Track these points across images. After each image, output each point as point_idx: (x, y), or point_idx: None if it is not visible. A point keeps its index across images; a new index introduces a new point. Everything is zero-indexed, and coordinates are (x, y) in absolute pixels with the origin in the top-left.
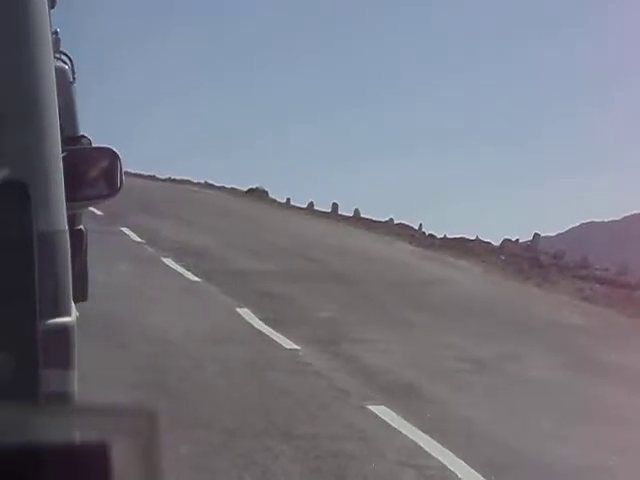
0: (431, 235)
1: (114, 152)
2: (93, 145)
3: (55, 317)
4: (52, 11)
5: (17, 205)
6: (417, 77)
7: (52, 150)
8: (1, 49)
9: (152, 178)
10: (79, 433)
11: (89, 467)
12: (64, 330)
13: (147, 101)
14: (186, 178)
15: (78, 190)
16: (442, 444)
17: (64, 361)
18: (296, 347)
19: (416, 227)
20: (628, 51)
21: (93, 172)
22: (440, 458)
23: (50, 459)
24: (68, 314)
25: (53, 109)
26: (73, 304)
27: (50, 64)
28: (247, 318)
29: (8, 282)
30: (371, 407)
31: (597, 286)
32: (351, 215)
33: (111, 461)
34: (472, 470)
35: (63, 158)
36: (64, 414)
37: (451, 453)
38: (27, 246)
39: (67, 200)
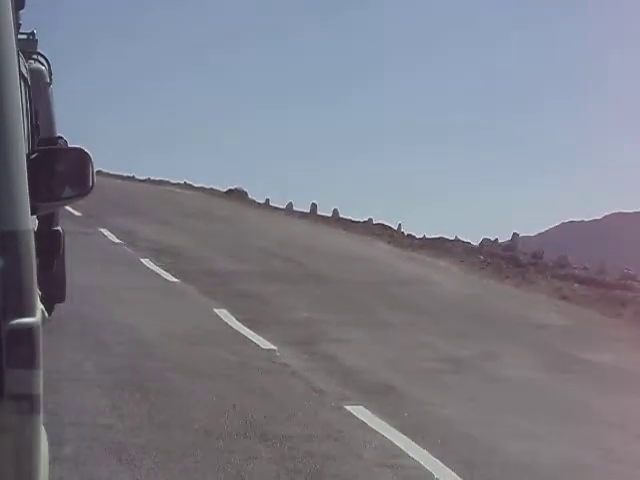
0: (410, 235)
1: (85, 152)
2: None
3: (19, 317)
4: (22, 12)
5: None
6: (395, 72)
7: (16, 150)
8: None
9: (131, 179)
10: None
11: None
12: (28, 330)
13: (125, 101)
14: (165, 179)
15: (51, 190)
16: (419, 443)
17: (29, 361)
18: (273, 347)
19: (395, 227)
20: (611, 48)
21: (65, 172)
22: (416, 457)
23: None
24: (33, 314)
25: (17, 108)
26: (40, 304)
27: (13, 63)
28: (224, 319)
29: None
30: (348, 407)
31: (575, 285)
32: (330, 215)
33: None
34: (448, 469)
35: (36, 159)
36: None
37: (427, 452)
38: None
39: (41, 200)
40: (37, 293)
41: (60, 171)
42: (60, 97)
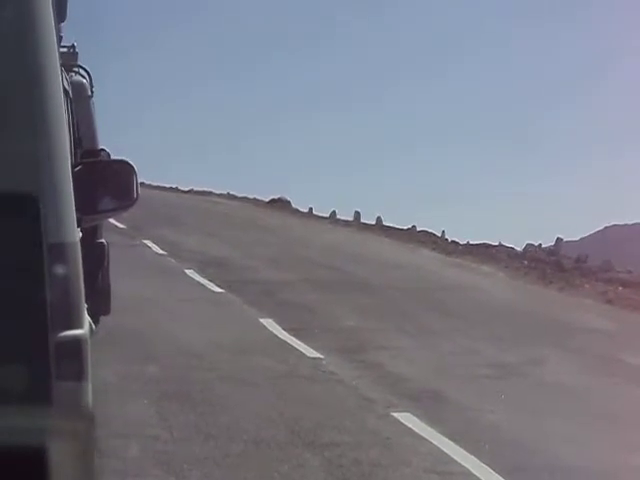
0: (454, 241)
1: (129, 164)
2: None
3: (67, 329)
4: (63, 25)
5: (28, 218)
6: (426, 76)
7: (62, 163)
8: (8, 64)
9: (174, 190)
10: (17, 437)
11: (26, 469)
12: (76, 342)
13: (162, 111)
14: (208, 190)
15: (96, 202)
16: (466, 450)
17: (77, 373)
18: (320, 356)
19: (439, 234)
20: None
21: (109, 184)
22: (464, 464)
23: None
24: (81, 326)
25: (62, 122)
26: (87, 316)
27: (57, 78)
28: (270, 328)
29: (20, 294)
30: (395, 414)
31: (620, 289)
32: (373, 223)
33: (48, 464)
34: (497, 475)
35: (80, 171)
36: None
37: (475, 458)
38: (38, 258)
39: (85, 213)
40: (85, 305)
41: (104, 183)
42: (100, 109)
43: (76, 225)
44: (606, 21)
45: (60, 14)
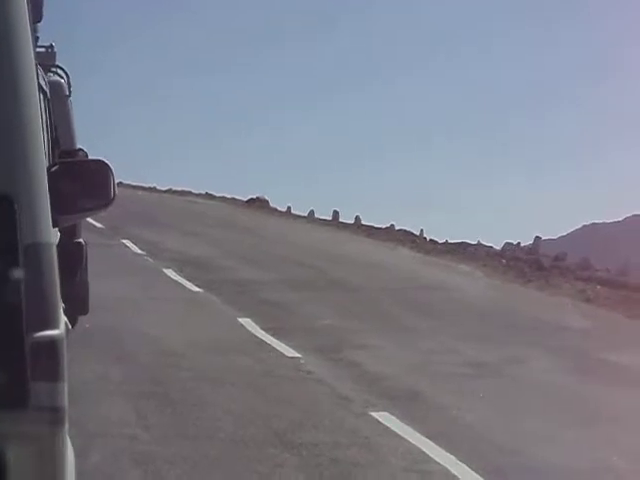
0: (432, 240)
1: (106, 164)
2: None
3: (43, 330)
4: (40, 25)
5: (2, 218)
6: (405, 75)
7: (38, 163)
8: None
9: (153, 190)
10: None
11: None
12: (52, 343)
13: (141, 110)
14: (187, 189)
15: (72, 202)
16: (445, 449)
17: (53, 373)
18: (298, 355)
19: (417, 233)
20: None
21: (86, 184)
22: (443, 462)
23: None
24: (57, 327)
25: (37, 123)
26: (64, 316)
27: (32, 77)
28: (248, 327)
29: None
30: (374, 414)
31: (598, 287)
32: (352, 222)
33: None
34: (475, 474)
35: (56, 171)
36: None
37: (454, 457)
38: (13, 259)
39: (62, 213)
40: (61, 305)
41: (81, 183)
42: (78, 108)
43: (52, 225)
44: (590, 21)
45: (36, 14)
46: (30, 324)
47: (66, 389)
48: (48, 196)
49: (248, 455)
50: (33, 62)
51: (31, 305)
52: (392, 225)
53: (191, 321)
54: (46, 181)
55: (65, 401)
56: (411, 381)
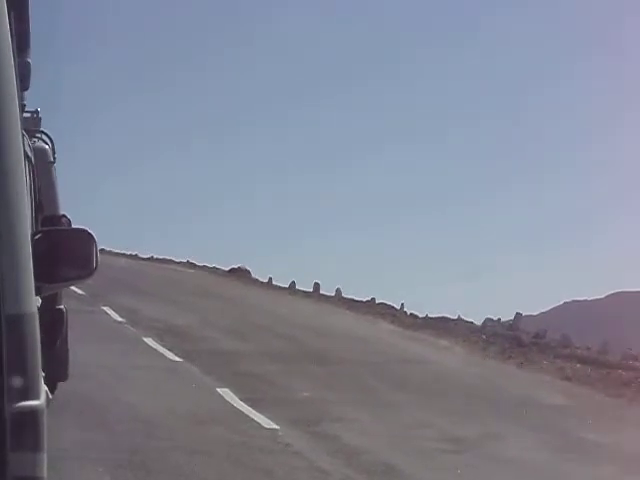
0: (412, 314)
1: (89, 233)
2: (72, 225)
3: (24, 400)
4: (26, 93)
5: None
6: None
7: (22, 233)
8: None
9: (134, 257)
10: None
11: None
12: (33, 413)
13: (125, 179)
14: (168, 257)
15: (55, 271)
16: None
17: (33, 444)
18: (276, 427)
19: (398, 307)
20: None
21: (69, 253)
22: None
23: None
24: (37, 397)
25: (22, 192)
26: (44, 385)
27: (19, 147)
28: (227, 398)
29: None
30: None
31: (578, 366)
32: (333, 295)
33: None
34: None
35: (39, 240)
36: None
37: None
38: None
39: (45, 281)
40: (41, 375)
41: (64, 252)
42: (62, 174)
43: (34, 294)
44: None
45: (23, 82)
46: (11, 394)
47: (45, 459)
48: (32, 266)
49: None
50: (20, 132)
51: (12, 375)
52: (373, 299)
53: (170, 390)
54: (30, 250)
55: (44, 471)
56: (388, 455)
